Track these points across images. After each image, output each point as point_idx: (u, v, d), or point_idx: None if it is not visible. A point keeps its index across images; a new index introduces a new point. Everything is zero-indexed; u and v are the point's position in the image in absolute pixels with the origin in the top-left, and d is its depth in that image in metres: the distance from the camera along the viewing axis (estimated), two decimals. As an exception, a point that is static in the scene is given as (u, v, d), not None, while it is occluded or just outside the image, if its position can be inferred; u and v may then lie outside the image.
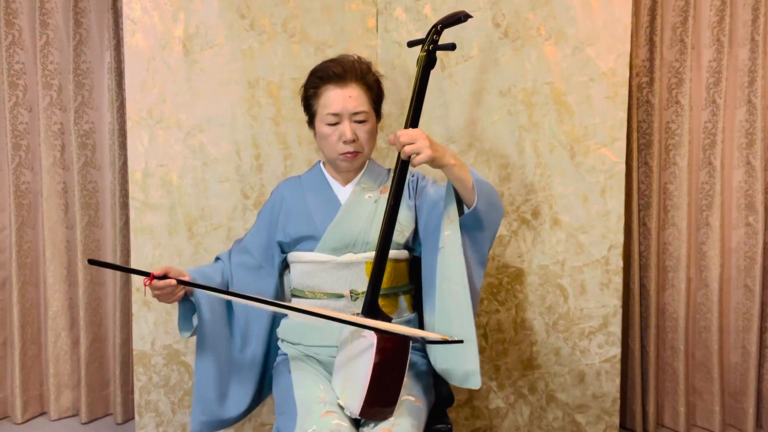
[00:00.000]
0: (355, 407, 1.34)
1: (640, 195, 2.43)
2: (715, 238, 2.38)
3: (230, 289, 1.63)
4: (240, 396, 1.63)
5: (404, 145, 1.39)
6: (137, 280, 2.08)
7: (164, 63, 2.05)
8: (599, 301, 2.10)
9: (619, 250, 2.07)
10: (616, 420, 2.14)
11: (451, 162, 1.41)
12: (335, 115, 1.55)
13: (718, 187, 2.36)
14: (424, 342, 1.40)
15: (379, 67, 2.11)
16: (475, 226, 1.48)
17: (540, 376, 2.16)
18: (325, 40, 2.11)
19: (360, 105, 1.55)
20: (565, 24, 2.02)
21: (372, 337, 1.34)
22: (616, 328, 2.10)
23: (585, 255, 2.08)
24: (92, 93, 2.49)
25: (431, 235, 1.55)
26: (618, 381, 2.12)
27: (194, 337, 1.61)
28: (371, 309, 1.43)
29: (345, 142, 1.55)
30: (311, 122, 1.63)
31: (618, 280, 2.08)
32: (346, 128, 1.55)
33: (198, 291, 1.54)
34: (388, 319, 1.45)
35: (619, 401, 2.14)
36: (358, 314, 1.46)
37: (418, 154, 1.37)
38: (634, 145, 2.38)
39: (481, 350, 2.13)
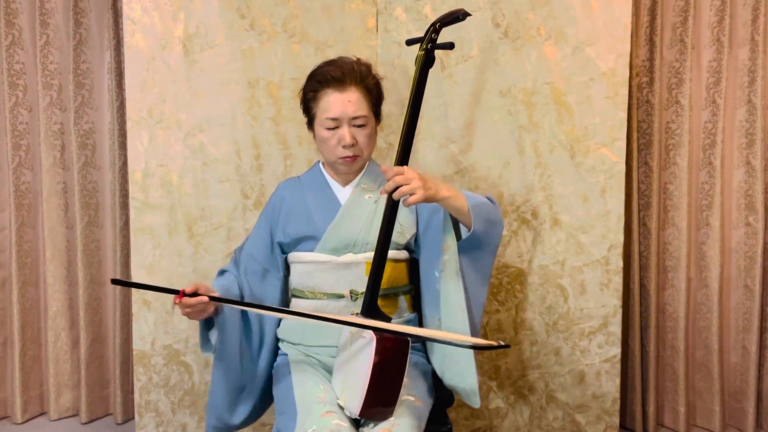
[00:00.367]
0: (354, 407, 1.34)
1: (640, 195, 2.43)
2: (715, 238, 2.38)
3: (244, 298, 1.63)
4: (250, 403, 1.65)
5: (395, 189, 1.35)
6: (138, 281, 2.08)
7: (164, 63, 2.05)
8: (599, 301, 2.10)
9: (619, 250, 2.07)
10: (616, 420, 2.14)
11: (446, 195, 1.40)
12: (334, 119, 1.54)
13: (718, 187, 2.36)
14: (476, 348, 1.36)
15: (379, 67, 2.11)
16: (476, 248, 1.48)
17: (540, 376, 2.16)
18: (325, 40, 2.11)
19: (359, 109, 1.54)
20: (565, 24, 2.02)
21: (371, 337, 1.34)
22: (616, 328, 2.10)
23: (585, 255, 2.08)
24: (92, 93, 2.49)
25: (430, 242, 1.56)
26: (618, 381, 2.12)
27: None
28: (371, 309, 1.43)
29: (344, 147, 1.55)
30: (310, 124, 1.63)
31: (618, 280, 2.08)
32: (345, 133, 1.54)
33: (226, 307, 1.54)
34: (388, 320, 1.45)
35: (619, 401, 2.13)
36: (357, 314, 1.46)
37: (411, 194, 1.34)
38: (634, 145, 2.38)
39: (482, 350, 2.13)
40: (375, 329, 1.35)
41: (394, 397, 1.36)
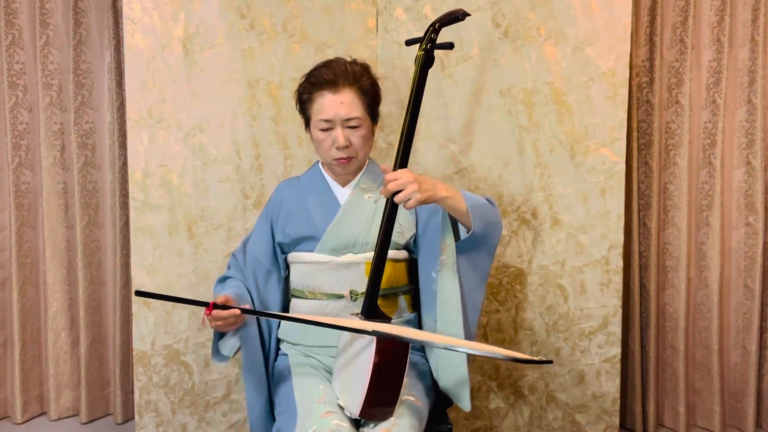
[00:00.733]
0: (354, 407, 1.34)
1: (640, 195, 2.43)
2: (715, 238, 2.38)
3: (253, 302, 1.63)
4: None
5: (394, 193, 1.37)
6: (138, 281, 2.09)
7: (164, 63, 2.05)
8: (599, 301, 2.10)
9: (619, 250, 2.07)
10: (616, 420, 2.14)
11: (444, 195, 1.40)
12: (327, 121, 1.54)
13: (718, 187, 2.36)
14: (515, 360, 1.30)
15: (379, 67, 2.11)
16: (474, 248, 1.49)
17: (540, 376, 2.16)
18: (325, 40, 2.11)
19: (352, 111, 1.54)
20: (565, 24, 2.02)
21: (371, 338, 1.34)
22: (616, 328, 2.10)
23: (585, 255, 2.08)
24: (92, 93, 2.49)
25: (429, 243, 1.56)
26: (618, 381, 2.12)
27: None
28: (371, 309, 1.43)
29: (338, 148, 1.55)
30: (307, 126, 1.63)
31: (618, 280, 2.08)
32: (339, 134, 1.54)
33: (250, 319, 1.54)
34: (388, 320, 1.45)
35: (619, 401, 2.13)
36: (357, 314, 1.46)
37: (408, 199, 1.36)
38: (634, 145, 2.38)
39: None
40: (382, 335, 1.32)
41: (394, 397, 1.36)
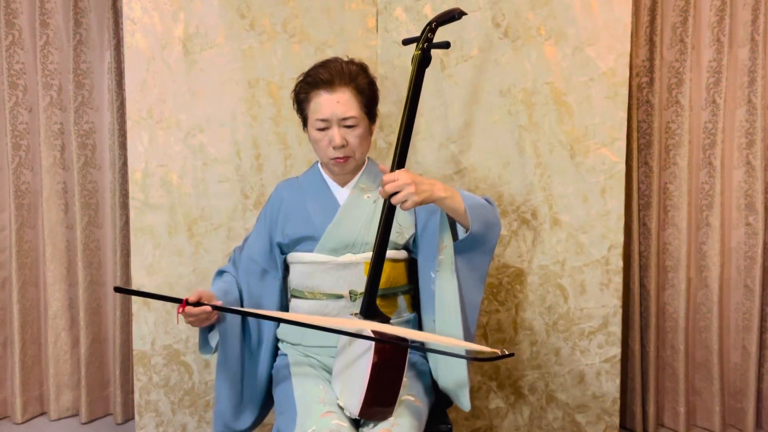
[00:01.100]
0: (354, 407, 1.34)
1: (640, 195, 2.42)
2: (715, 238, 2.38)
3: (243, 298, 1.64)
4: (254, 407, 1.66)
5: (391, 195, 1.37)
6: (138, 281, 2.09)
7: (164, 63, 2.05)
8: (599, 301, 2.09)
9: (619, 250, 2.07)
10: (616, 420, 2.14)
11: (441, 196, 1.40)
12: (323, 120, 1.54)
13: (718, 187, 2.36)
14: (479, 360, 1.34)
15: (379, 67, 2.11)
16: (472, 248, 1.49)
17: (540, 376, 2.16)
18: (325, 40, 2.11)
19: (349, 110, 1.53)
20: (565, 24, 2.02)
21: (371, 338, 1.34)
22: (616, 328, 2.10)
23: (585, 255, 2.08)
24: (92, 93, 2.49)
25: (428, 243, 1.56)
26: (618, 381, 2.12)
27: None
28: (370, 309, 1.43)
29: (335, 147, 1.55)
30: (305, 126, 1.63)
31: (618, 280, 2.08)
32: (335, 134, 1.54)
33: (228, 315, 1.54)
34: (387, 320, 1.45)
35: (619, 401, 2.14)
36: (357, 314, 1.46)
37: (405, 201, 1.36)
38: (634, 145, 2.38)
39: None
40: (375, 339, 1.33)
41: (393, 397, 1.36)
